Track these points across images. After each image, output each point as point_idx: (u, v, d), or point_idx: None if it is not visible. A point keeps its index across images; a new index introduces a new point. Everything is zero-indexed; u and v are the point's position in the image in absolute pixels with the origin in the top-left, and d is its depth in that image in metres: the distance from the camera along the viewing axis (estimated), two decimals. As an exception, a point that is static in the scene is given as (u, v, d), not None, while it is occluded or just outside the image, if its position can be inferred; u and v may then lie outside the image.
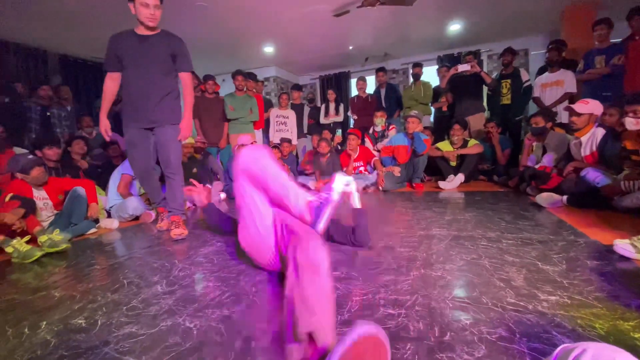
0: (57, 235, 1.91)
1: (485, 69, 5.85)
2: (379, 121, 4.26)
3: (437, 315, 0.93)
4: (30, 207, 2.09)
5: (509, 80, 4.18)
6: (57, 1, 3.49)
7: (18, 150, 3.02)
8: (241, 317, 0.99)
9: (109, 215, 2.82)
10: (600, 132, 2.39)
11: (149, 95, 2.07)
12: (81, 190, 2.45)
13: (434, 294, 1.06)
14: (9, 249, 1.79)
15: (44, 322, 1.06)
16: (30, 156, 2.37)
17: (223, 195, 3.75)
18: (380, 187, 3.60)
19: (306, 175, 4.42)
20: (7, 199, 2.03)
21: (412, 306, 0.99)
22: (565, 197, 2.27)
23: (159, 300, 1.15)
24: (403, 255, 1.44)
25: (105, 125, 2.09)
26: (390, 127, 4.34)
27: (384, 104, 4.99)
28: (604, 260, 1.26)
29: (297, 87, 5.28)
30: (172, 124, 2.16)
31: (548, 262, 1.27)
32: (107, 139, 2.12)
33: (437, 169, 3.89)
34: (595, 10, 4.33)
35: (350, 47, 5.93)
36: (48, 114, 3.86)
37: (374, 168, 3.86)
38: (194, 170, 3.56)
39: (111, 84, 2.10)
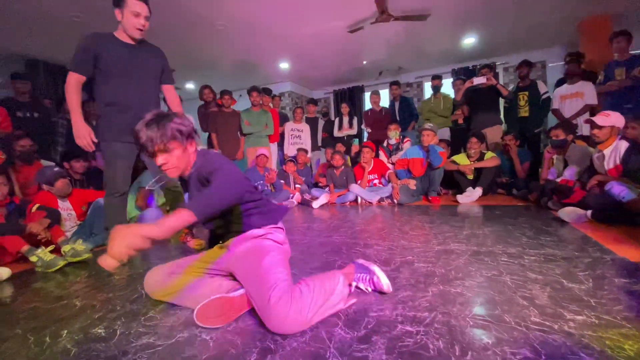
0: (80, 245, 1.97)
1: (501, 82, 5.81)
2: (393, 134, 4.25)
3: (458, 333, 0.90)
4: (55, 218, 2.17)
5: (526, 93, 4.12)
6: (84, 21, 3.72)
7: (45, 163, 3.16)
8: (256, 330, 0.99)
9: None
10: (623, 145, 2.31)
11: (144, 108, 1.88)
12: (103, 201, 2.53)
13: (454, 312, 1.02)
14: (33, 258, 1.85)
15: (65, 331, 1.08)
16: (56, 168, 2.48)
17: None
18: (396, 200, 3.56)
19: (320, 187, 4.43)
20: (33, 209, 2.12)
21: (431, 324, 0.96)
22: (589, 212, 2.19)
23: (176, 311, 1.16)
24: (421, 271, 1.41)
25: (88, 131, 1.83)
26: (405, 140, 4.33)
27: (398, 117, 5.00)
28: (633, 278, 1.20)
29: (312, 102, 5.36)
30: None
31: (573, 279, 1.22)
32: (92, 148, 1.85)
33: (454, 182, 3.83)
34: (612, 22, 4.28)
35: (364, 62, 6.02)
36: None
37: (389, 181, 3.83)
38: (210, 182, 3.62)
39: (78, 87, 1.83)
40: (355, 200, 3.85)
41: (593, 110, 3.55)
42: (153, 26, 2.08)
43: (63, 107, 4.07)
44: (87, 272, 1.77)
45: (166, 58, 2.10)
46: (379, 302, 1.12)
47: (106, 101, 1.89)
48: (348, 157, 4.62)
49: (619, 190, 2.08)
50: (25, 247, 1.88)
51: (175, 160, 1.15)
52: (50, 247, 1.93)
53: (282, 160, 4.93)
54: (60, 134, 3.94)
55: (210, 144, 4.34)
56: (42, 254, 1.85)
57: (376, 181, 3.98)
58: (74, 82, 1.81)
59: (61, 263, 1.85)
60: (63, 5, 3.35)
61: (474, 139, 3.67)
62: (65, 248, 1.94)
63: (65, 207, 2.46)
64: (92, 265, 1.89)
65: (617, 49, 3.35)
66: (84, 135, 1.82)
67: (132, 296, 1.34)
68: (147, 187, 2.92)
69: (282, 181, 4.22)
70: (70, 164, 2.80)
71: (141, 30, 1.87)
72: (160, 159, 1.14)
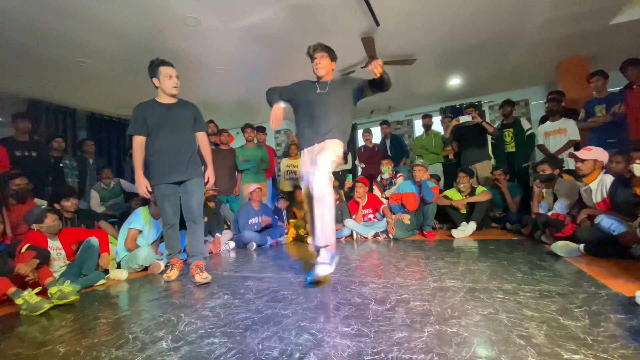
0: (67, 287, 1.92)
1: (487, 119, 6.06)
2: (385, 169, 4.35)
3: (454, 376, 0.88)
4: (44, 258, 2.13)
5: (511, 129, 4.31)
6: (90, 67, 3.90)
7: (39, 201, 3.14)
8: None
9: (119, 266, 2.82)
10: (609, 179, 2.39)
11: (181, 153, 2.32)
12: (95, 240, 2.50)
13: (450, 353, 1.00)
14: (19, 301, 1.79)
15: (47, 381, 1.03)
16: (44, 207, 2.47)
17: (232, 244, 3.74)
18: (391, 235, 3.55)
19: (315, 223, 4.41)
20: (23, 249, 2.09)
21: (427, 366, 0.94)
22: (582, 246, 2.21)
23: (164, 357, 1.12)
24: (416, 310, 1.39)
25: (145, 183, 2.25)
26: (398, 175, 4.42)
27: (390, 154, 5.14)
28: (628, 314, 1.19)
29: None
30: (198, 177, 2.40)
31: (569, 316, 1.21)
32: (148, 196, 2.28)
33: (448, 216, 3.86)
34: (588, 63, 4.57)
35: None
36: (61, 164, 4.07)
37: (383, 215, 3.85)
38: (205, 219, 3.60)
39: (141, 146, 2.27)
40: (351, 235, 3.83)
41: (577, 145, 3.69)
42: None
43: (50, 144, 4.11)
44: (73, 315, 1.71)
45: (198, 109, 2.47)
46: (374, 344, 1.09)
47: (151, 152, 2.28)
48: (342, 192, 4.67)
49: (608, 223, 2.12)
50: (12, 289, 1.83)
51: (326, 64, 2.15)
52: (37, 289, 1.87)
53: (275, 196, 4.96)
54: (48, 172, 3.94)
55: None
56: (28, 297, 1.79)
57: (371, 215, 4.00)
58: (136, 143, 2.26)
59: (47, 306, 1.78)
60: (70, 51, 3.53)
61: (462, 174, 3.77)
62: (52, 290, 1.89)
63: (55, 247, 2.41)
64: (78, 308, 1.83)
65: (595, 88, 3.57)
66: (141, 185, 2.23)
67: (118, 342, 1.29)
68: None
69: (276, 217, 4.21)
70: (60, 204, 2.78)
71: (176, 87, 2.29)
72: (319, 59, 2.14)
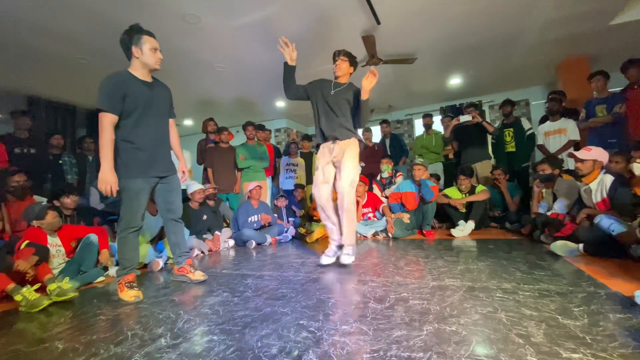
0: (66, 284, 1.91)
1: (488, 119, 6.05)
2: (385, 167, 4.35)
3: (453, 374, 0.88)
4: (43, 255, 2.12)
5: (511, 129, 4.31)
6: (90, 64, 3.88)
7: (38, 198, 3.14)
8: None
9: (118, 263, 2.81)
10: (609, 179, 2.38)
11: (164, 143, 1.99)
12: (94, 237, 2.49)
13: (449, 351, 1.00)
14: (18, 297, 1.78)
15: (45, 377, 1.03)
16: (44, 203, 2.47)
17: (231, 243, 3.74)
18: (390, 234, 3.55)
19: (315, 221, 4.41)
20: (22, 246, 2.08)
21: (425, 364, 0.94)
22: (581, 246, 2.21)
23: (162, 354, 1.12)
24: (415, 308, 1.39)
25: (114, 180, 1.76)
26: (398, 174, 4.42)
27: (389, 153, 5.14)
28: (627, 313, 1.19)
29: (307, 137, 5.51)
30: (176, 172, 2.11)
31: (568, 315, 1.21)
32: (113, 194, 1.75)
33: (447, 215, 3.86)
34: (588, 63, 4.57)
35: (357, 100, 6.27)
36: (60, 162, 4.05)
37: (383, 214, 3.85)
38: (204, 217, 3.60)
39: (112, 127, 1.77)
40: (350, 234, 3.82)
41: (577, 145, 3.70)
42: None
43: (49, 142, 4.09)
44: (72, 312, 1.71)
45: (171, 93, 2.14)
46: (373, 342, 1.09)
47: (131, 139, 1.85)
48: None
49: (607, 223, 2.12)
50: (11, 286, 1.82)
51: (345, 67, 2.43)
52: (36, 286, 1.87)
53: (275, 194, 4.96)
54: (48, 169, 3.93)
55: (206, 178, 4.37)
56: (27, 293, 1.79)
57: (370, 214, 3.99)
58: (109, 124, 1.75)
59: (45, 302, 1.78)
60: (69, 48, 3.52)
61: (462, 176, 3.76)
62: (51, 286, 1.88)
63: (54, 244, 2.41)
64: (77, 305, 1.83)
65: (596, 88, 3.57)
66: (108, 182, 1.73)
67: (117, 338, 1.29)
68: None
69: (275, 215, 4.21)
70: (60, 201, 2.78)
71: (159, 62, 1.91)
72: (339, 62, 2.42)
